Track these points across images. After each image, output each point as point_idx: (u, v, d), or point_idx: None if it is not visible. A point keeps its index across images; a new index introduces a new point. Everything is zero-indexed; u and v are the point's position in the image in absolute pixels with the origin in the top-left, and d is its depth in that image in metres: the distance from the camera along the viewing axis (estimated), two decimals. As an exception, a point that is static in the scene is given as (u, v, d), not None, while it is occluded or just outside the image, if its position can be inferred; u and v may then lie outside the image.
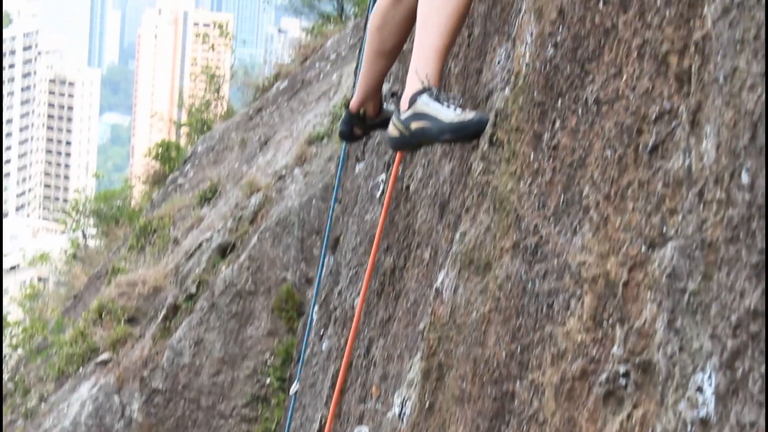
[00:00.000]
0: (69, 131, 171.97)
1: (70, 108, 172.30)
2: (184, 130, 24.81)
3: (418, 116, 3.61)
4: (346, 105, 4.81)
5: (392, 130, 3.74)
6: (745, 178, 1.69)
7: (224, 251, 14.58)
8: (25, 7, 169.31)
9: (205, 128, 20.92)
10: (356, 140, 5.34)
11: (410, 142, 3.76)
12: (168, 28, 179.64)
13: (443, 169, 4.51)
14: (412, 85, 3.66)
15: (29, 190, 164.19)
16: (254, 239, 13.87)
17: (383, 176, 6.46)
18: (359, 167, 7.66)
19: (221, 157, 18.16)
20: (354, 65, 10.98)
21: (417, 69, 3.69)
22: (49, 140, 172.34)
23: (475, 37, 4.31)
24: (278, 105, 17.22)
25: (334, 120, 13.77)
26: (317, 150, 14.15)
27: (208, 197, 16.90)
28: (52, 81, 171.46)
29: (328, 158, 13.63)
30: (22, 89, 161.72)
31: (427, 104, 3.59)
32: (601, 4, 2.90)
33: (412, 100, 3.62)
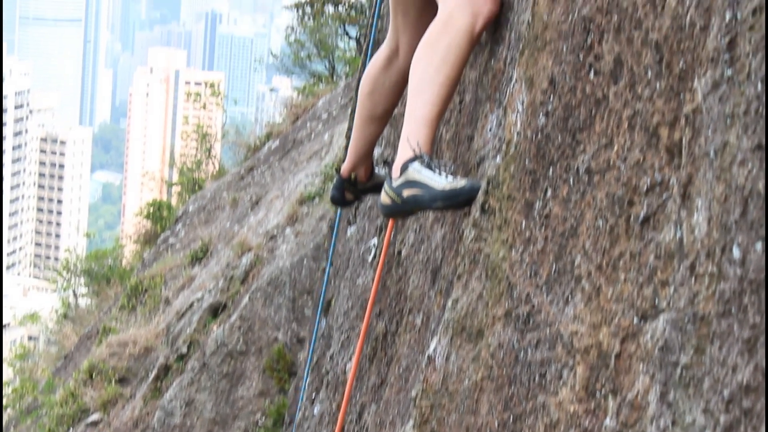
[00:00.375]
0: (60, 190, 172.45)
1: (62, 166, 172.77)
2: (176, 189, 24.88)
3: (410, 184, 3.62)
4: (338, 170, 4.83)
5: (384, 197, 3.76)
6: (736, 253, 1.70)
7: (215, 311, 14.59)
8: (17, 65, 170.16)
9: (196, 187, 20.99)
10: (348, 205, 5.36)
11: (403, 210, 3.76)
12: (159, 86, 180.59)
13: (435, 235, 4.52)
14: (403, 152, 3.68)
15: (20, 249, 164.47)
16: (245, 299, 13.87)
17: (375, 240, 6.47)
18: (351, 230, 7.68)
19: (212, 217, 18.22)
20: (345, 125, 11.06)
21: (408, 137, 3.70)
22: (40, 198, 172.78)
23: (467, 104, 4.33)
24: (270, 164, 17.30)
25: (326, 180, 13.83)
26: (308, 210, 14.20)
27: (200, 257, 16.92)
28: (44, 139, 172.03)
29: (319, 218, 13.68)
30: (14, 147, 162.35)
31: (418, 171, 3.60)
32: (591, 75, 2.95)
33: (404, 168, 3.63)
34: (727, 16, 2.18)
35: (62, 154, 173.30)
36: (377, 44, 5.42)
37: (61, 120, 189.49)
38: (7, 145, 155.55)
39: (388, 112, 4.70)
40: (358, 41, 18.16)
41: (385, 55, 4.62)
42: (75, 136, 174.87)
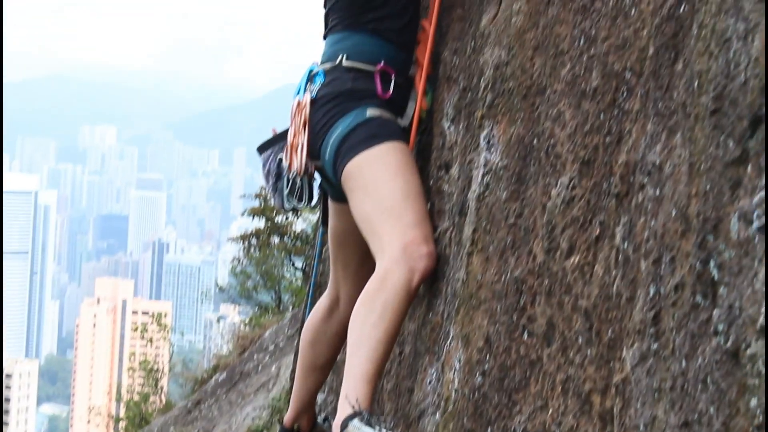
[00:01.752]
0: (6, 424, 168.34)
1: (7, 400, 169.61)
2: (122, 424, 24.56)
3: None
4: (280, 421, 4.82)
5: None
6: None
7: None
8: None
9: (143, 422, 20.75)
10: None
11: None
12: (106, 317, 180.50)
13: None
14: (343, 409, 3.65)
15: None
16: None
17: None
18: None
19: (158, 455, 17.89)
20: (292, 356, 10.93)
21: (347, 394, 3.69)
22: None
23: (406, 355, 4.34)
24: (217, 397, 17.22)
25: (273, 413, 13.75)
26: (255, 446, 14.02)
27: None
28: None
29: (266, 454, 13.50)
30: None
31: (358, 429, 3.59)
32: (525, 336, 3.00)
33: (344, 425, 3.61)
34: (651, 291, 2.26)
35: (8, 387, 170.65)
36: (318, 287, 5.46)
37: (6, 353, 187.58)
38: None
39: (330, 362, 4.70)
40: (304, 271, 18.41)
41: (325, 305, 4.64)
42: (21, 369, 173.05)
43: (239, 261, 21.12)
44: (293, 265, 20.11)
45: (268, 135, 4.63)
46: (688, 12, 2.44)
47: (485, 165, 3.52)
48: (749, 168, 2.08)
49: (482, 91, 3.64)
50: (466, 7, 4.13)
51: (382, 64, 4.15)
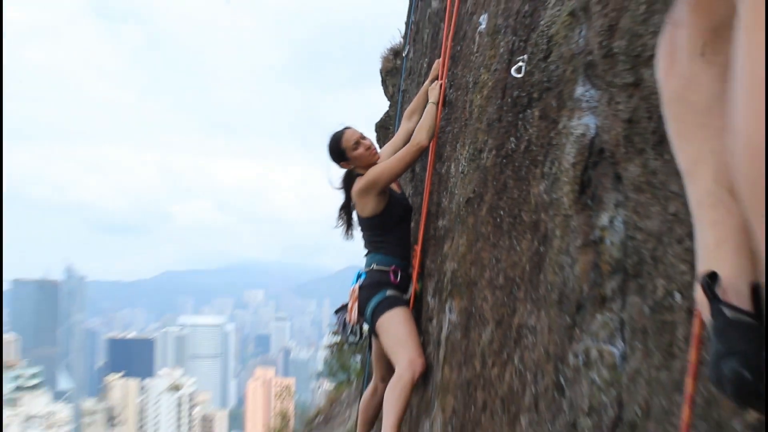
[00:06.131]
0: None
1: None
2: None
3: None
4: None
5: None
6: None
7: None
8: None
9: None
10: None
11: None
12: (261, 389, 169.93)
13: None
14: None
15: None
16: None
17: None
18: None
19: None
20: (355, 406, 10.21)
21: None
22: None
23: (414, 415, 4.15)
24: (319, 428, 16.75)
25: None
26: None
27: None
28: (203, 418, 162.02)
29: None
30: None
31: None
32: (473, 409, 2.93)
33: None
34: (529, 394, 2.36)
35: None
36: (369, 378, 5.23)
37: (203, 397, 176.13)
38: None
39: (374, 419, 4.62)
40: (362, 361, 18.31)
41: (372, 388, 4.62)
42: (219, 415, 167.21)
43: (330, 356, 21.27)
44: (356, 359, 20.23)
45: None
46: (543, 252, 2.49)
47: (449, 321, 3.53)
48: (576, 330, 2.19)
49: (446, 283, 3.64)
50: (438, 238, 4.01)
51: (393, 267, 4.24)
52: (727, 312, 1.15)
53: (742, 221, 1.17)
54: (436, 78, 4.42)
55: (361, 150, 4.27)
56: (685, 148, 1.27)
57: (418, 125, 4.12)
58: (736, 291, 1.15)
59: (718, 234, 1.18)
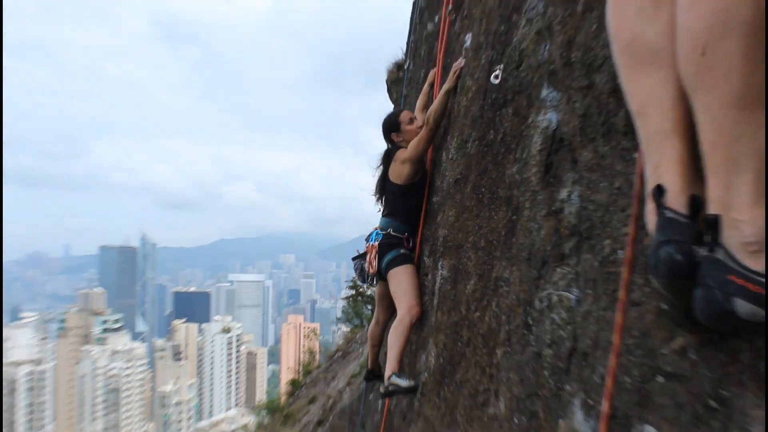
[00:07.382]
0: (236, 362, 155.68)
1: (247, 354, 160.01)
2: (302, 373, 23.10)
3: (392, 384, 3.55)
4: (365, 366, 4.50)
5: (381, 388, 3.68)
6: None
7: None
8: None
9: (308, 372, 20.05)
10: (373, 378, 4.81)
11: (390, 393, 3.56)
12: (293, 331, 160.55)
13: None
14: (387, 372, 3.60)
15: None
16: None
17: None
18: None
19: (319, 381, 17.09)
20: (367, 344, 9.57)
21: (389, 366, 3.63)
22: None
23: (413, 350, 3.96)
24: (338, 362, 16.55)
25: (361, 366, 11.84)
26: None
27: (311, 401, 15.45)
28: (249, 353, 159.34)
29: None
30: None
31: (395, 378, 3.52)
32: (459, 344, 2.84)
33: (388, 378, 3.54)
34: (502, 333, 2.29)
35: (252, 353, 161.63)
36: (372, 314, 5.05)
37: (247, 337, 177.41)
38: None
39: (379, 345, 4.60)
40: (372, 310, 18.26)
41: (375, 321, 4.58)
42: (260, 352, 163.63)
43: (347, 305, 21.30)
44: (367, 307, 20.17)
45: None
46: (515, 220, 2.37)
47: (441, 276, 3.41)
48: (541, 281, 2.14)
49: (438, 246, 3.52)
50: (433, 211, 3.88)
51: (406, 234, 4.12)
52: (668, 213, 1.19)
53: (683, 153, 1.19)
54: (432, 83, 4.32)
55: (413, 126, 4.14)
56: (636, 92, 1.24)
57: (431, 109, 3.98)
58: (676, 200, 1.19)
59: (665, 161, 1.20)
